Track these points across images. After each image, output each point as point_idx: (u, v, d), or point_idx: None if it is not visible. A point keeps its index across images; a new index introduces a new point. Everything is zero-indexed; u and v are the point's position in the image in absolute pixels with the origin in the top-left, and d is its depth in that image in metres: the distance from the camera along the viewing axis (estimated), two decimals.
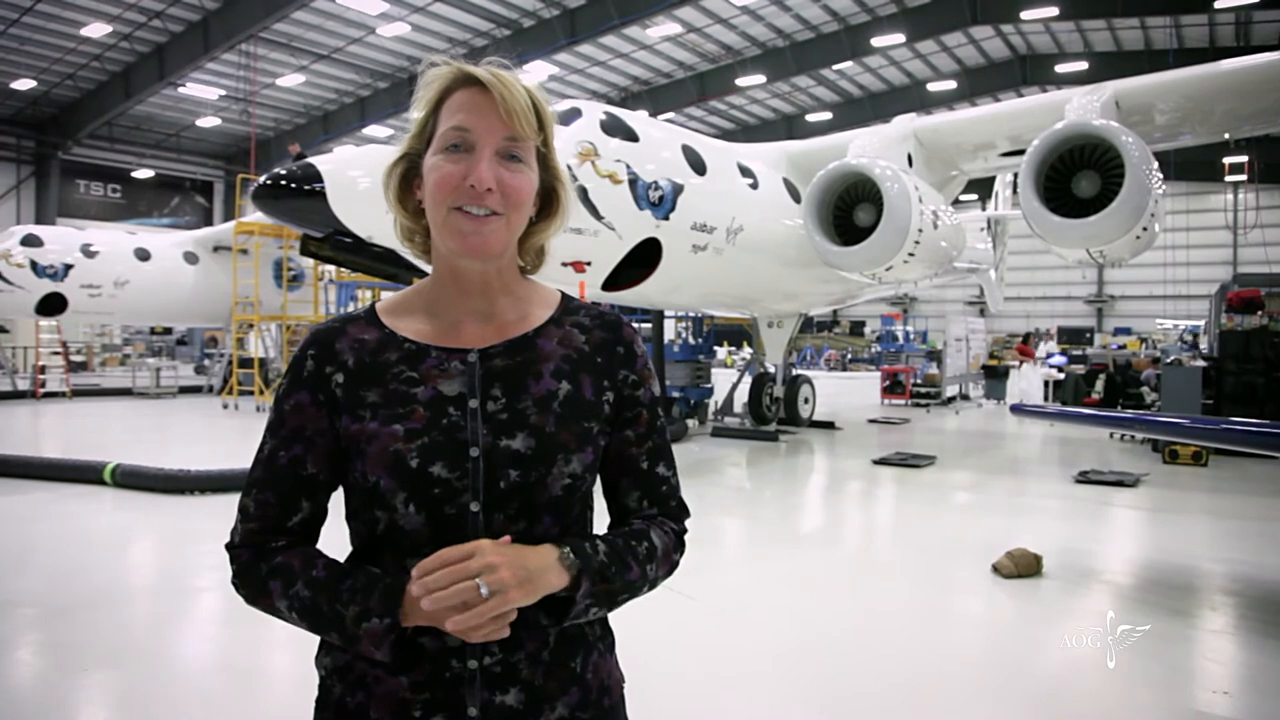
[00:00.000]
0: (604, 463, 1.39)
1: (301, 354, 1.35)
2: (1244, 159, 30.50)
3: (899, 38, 27.91)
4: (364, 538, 1.32)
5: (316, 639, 1.34)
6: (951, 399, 21.25)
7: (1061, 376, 19.15)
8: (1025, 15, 27.05)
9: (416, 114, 1.33)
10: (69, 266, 18.10)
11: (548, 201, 1.39)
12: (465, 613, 1.13)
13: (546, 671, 1.27)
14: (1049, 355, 25.27)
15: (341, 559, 1.33)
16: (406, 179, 1.36)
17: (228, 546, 1.33)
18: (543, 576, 1.20)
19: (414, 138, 1.34)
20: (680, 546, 1.42)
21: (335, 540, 1.37)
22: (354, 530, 1.35)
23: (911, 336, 36.27)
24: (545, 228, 1.40)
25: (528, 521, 1.27)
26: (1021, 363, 22.04)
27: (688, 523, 1.46)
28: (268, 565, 1.28)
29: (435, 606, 1.13)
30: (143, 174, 36.61)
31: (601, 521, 1.42)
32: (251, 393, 18.44)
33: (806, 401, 15.41)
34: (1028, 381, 19.58)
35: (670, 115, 31.62)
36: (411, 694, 1.23)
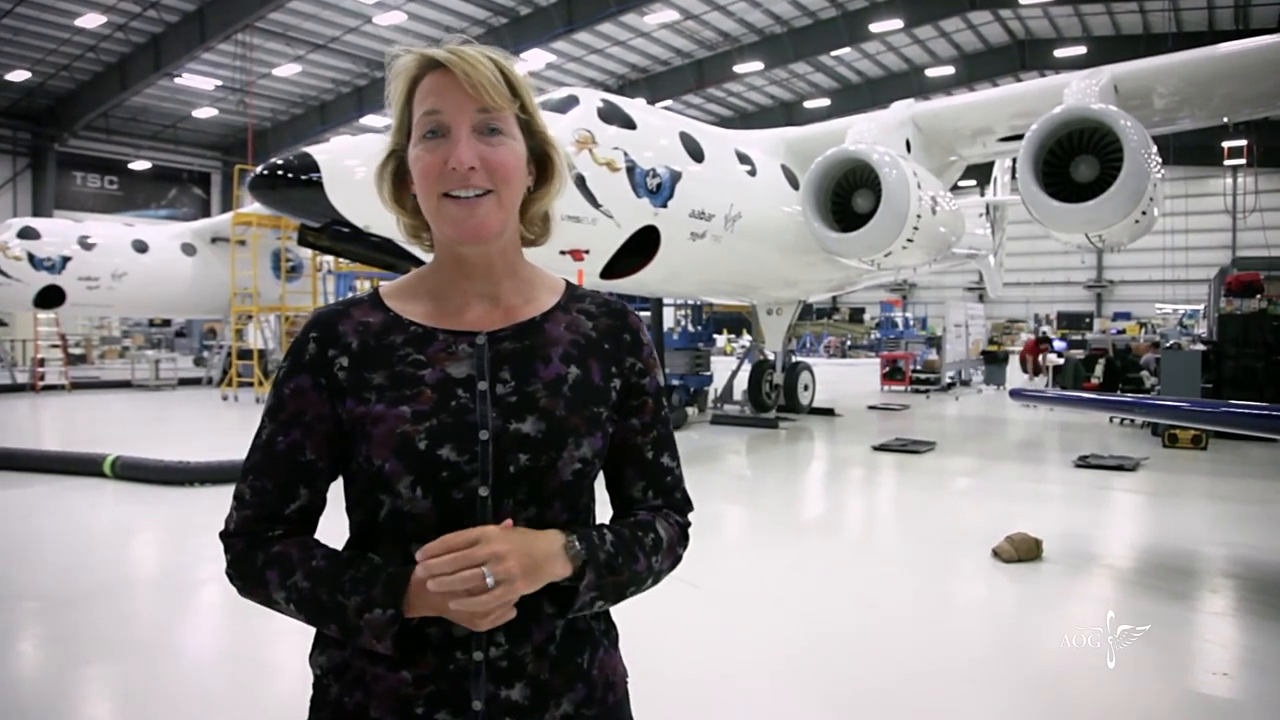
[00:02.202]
0: (609, 452, 1.37)
1: (303, 336, 1.32)
2: (1243, 143, 30.46)
3: (897, 23, 27.84)
4: (364, 526, 1.29)
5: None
6: (951, 385, 21.26)
7: (1061, 362, 19.16)
8: (1023, 0, 26.97)
9: (393, 109, 1.31)
10: (66, 259, 18.06)
11: (543, 168, 1.36)
12: (470, 601, 1.11)
13: (553, 666, 1.26)
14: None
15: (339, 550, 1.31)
16: (399, 177, 1.34)
17: (222, 535, 1.30)
18: (547, 564, 1.18)
19: (395, 134, 1.32)
20: (685, 539, 1.41)
21: (334, 534, 1.36)
22: (354, 521, 1.32)
23: (911, 323, 36.34)
24: (544, 194, 1.37)
25: (538, 507, 1.25)
26: (1024, 358, 21.91)
27: (690, 515, 1.45)
28: (264, 554, 1.25)
29: (440, 589, 1.11)
30: (140, 165, 36.47)
31: (603, 513, 1.41)
32: (251, 384, 18.44)
33: (806, 388, 15.41)
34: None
35: (668, 103, 31.53)
36: (415, 689, 1.21)
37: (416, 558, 1.14)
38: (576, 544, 1.22)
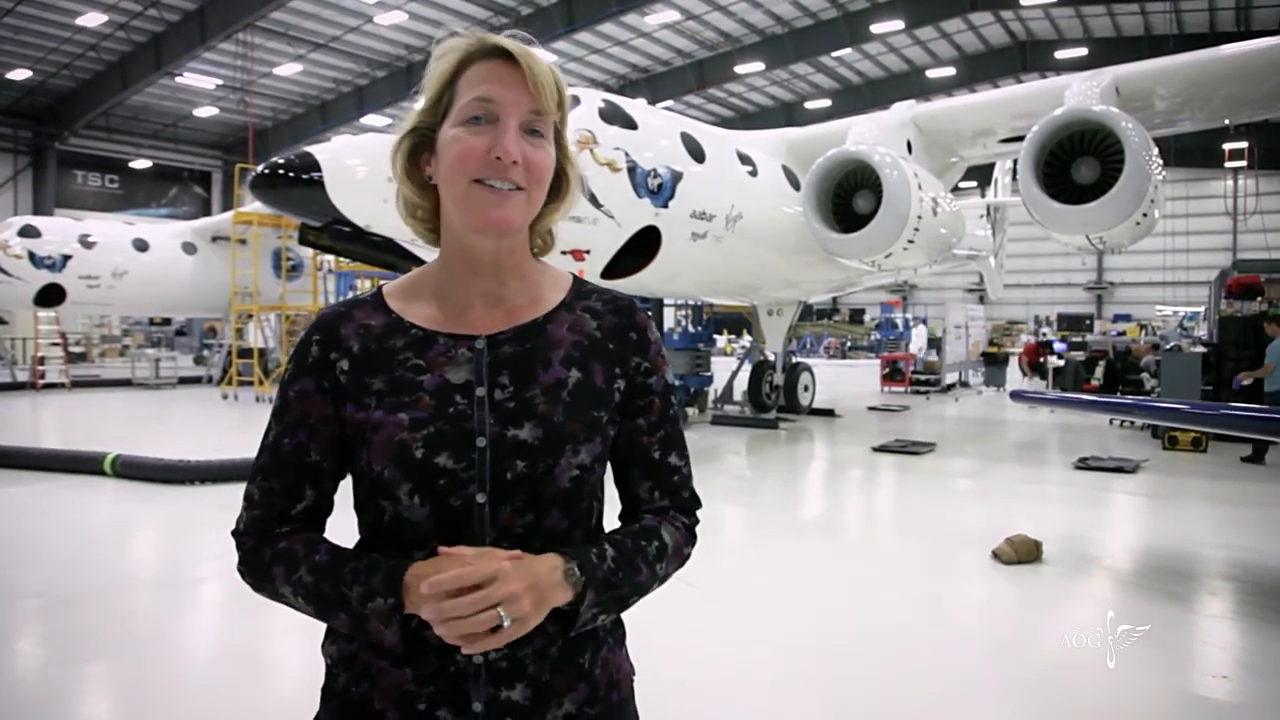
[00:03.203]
0: (615, 452, 1.36)
1: (306, 339, 1.33)
2: (1244, 145, 30.38)
3: (898, 24, 27.82)
4: (371, 528, 1.30)
5: (321, 628, 1.33)
6: (951, 386, 21.26)
7: (1061, 363, 19.16)
8: (1024, 1, 26.96)
9: (430, 85, 1.29)
10: (67, 257, 18.06)
11: (557, 181, 1.35)
12: (483, 640, 1.11)
13: (554, 668, 1.25)
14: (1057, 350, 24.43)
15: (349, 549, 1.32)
16: (414, 154, 1.32)
17: (233, 533, 1.32)
18: (551, 594, 1.18)
19: (426, 110, 1.29)
20: (691, 540, 1.40)
21: (344, 534, 1.36)
22: (362, 520, 1.33)
23: (911, 324, 36.25)
24: (555, 209, 1.37)
25: (535, 514, 1.24)
26: (1022, 359, 21.83)
27: (699, 513, 1.43)
28: (271, 551, 1.26)
29: (452, 634, 1.11)
30: (140, 164, 36.46)
31: (612, 508, 1.40)
32: (251, 383, 18.42)
33: (806, 389, 15.41)
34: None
35: (669, 103, 31.53)
36: (416, 687, 1.22)
37: (423, 590, 1.13)
38: (576, 571, 1.20)
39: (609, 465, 1.38)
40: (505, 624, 1.11)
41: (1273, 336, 10.86)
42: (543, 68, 1.24)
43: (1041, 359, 21.08)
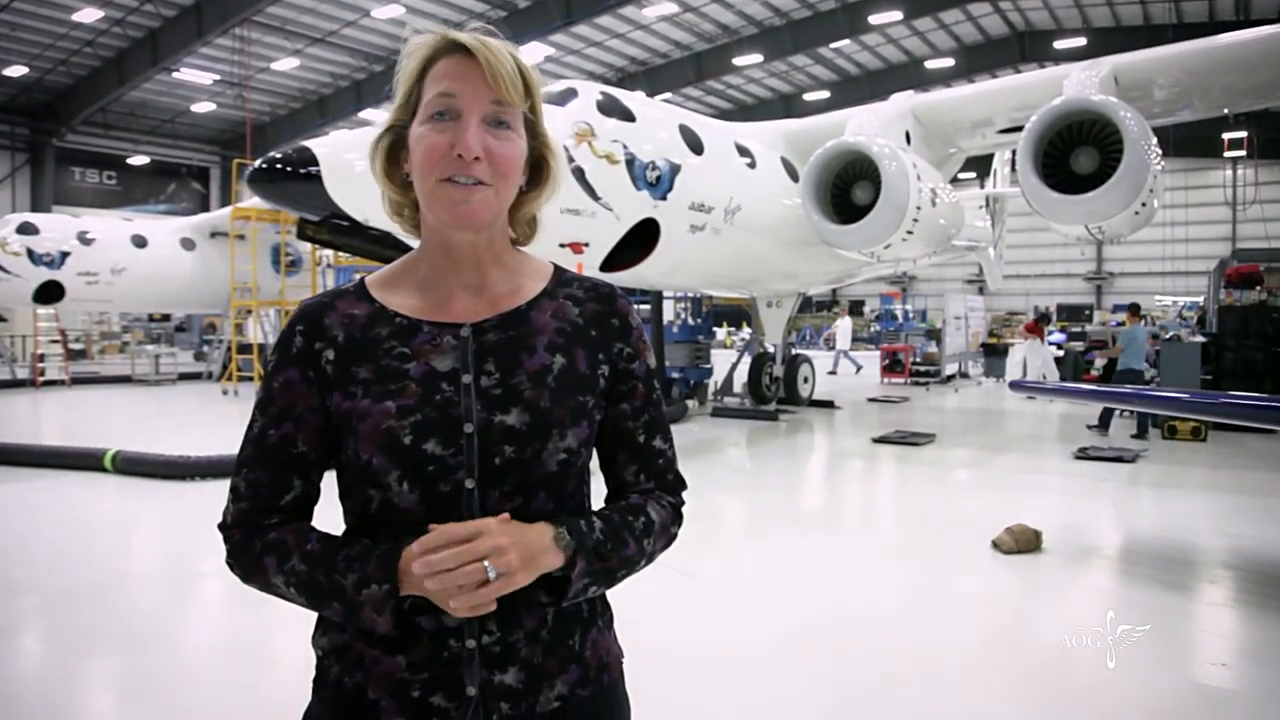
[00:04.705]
0: (600, 436, 1.38)
1: (290, 330, 1.33)
2: (1243, 134, 30.36)
3: (896, 15, 27.75)
4: (358, 516, 1.30)
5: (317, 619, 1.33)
6: (951, 377, 21.26)
7: (1061, 353, 19.13)
8: None
9: (400, 84, 1.30)
10: (66, 254, 18.01)
11: (537, 170, 1.36)
12: (470, 594, 1.12)
13: (545, 650, 1.27)
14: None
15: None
16: (393, 152, 1.33)
17: (220, 527, 1.32)
18: (541, 556, 1.19)
19: (399, 109, 1.31)
20: (678, 519, 1.41)
21: (331, 524, 1.36)
22: (347, 509, 1.33)
23: (910, 315, 36.28)
24: (535, 197, 1.38)
25: (523, 498, 1.26)
26: (1028, 338, 21.80)
27: (685, 494, 1.45)
28: (262, 542, 1.27)
29: (441, 586, 1.12)
30: (138, 161, 36.36)
31: (599, 493, 1.41)
32: (251, 378, 18.41)
33: (806, 381, 15.41)
34: (1032, 360, 18.52)
35: (667, 95, 31.43)
36: (410, 674, 1.23)
37: (413, 550, 1.14)
38: (566, 535, 1.23)
39: (595, 450, 1.39)
40: (491, 576, 1.12)
41: (1128, 324, 12.67)
42: (501, 58, 1.24)
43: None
